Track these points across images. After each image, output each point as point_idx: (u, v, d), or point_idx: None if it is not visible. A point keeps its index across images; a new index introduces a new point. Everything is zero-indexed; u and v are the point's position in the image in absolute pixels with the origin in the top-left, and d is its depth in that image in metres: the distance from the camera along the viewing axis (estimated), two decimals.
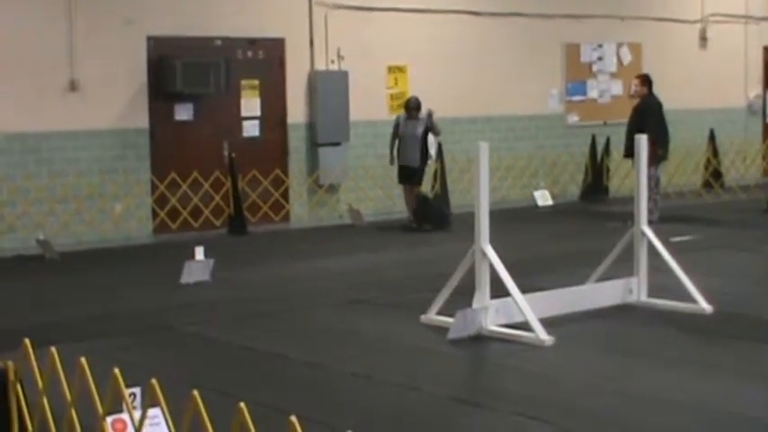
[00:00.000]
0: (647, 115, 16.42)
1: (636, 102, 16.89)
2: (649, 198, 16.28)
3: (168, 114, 16.25)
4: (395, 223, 17.17)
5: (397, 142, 16.49)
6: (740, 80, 23.39)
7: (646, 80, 16.98)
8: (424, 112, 16.29)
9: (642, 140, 10.60)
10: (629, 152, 16.47)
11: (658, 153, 16.29)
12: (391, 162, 16.63)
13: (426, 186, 18.29)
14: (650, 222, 15.90)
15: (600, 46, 21.18)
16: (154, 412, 5.21)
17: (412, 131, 16.28)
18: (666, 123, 16.63)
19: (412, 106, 16.37)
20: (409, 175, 16.46)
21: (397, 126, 16.50)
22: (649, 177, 16.31)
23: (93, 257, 14.32)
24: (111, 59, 15.59)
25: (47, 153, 15.22)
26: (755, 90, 23.77)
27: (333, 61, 17.69)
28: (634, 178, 10.79)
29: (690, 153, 21.04)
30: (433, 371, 8.32)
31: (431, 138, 16.46)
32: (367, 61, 17.99)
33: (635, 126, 16.40)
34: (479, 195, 9.25)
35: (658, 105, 16.73)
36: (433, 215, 16.42)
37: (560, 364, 8.43)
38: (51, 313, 10.55)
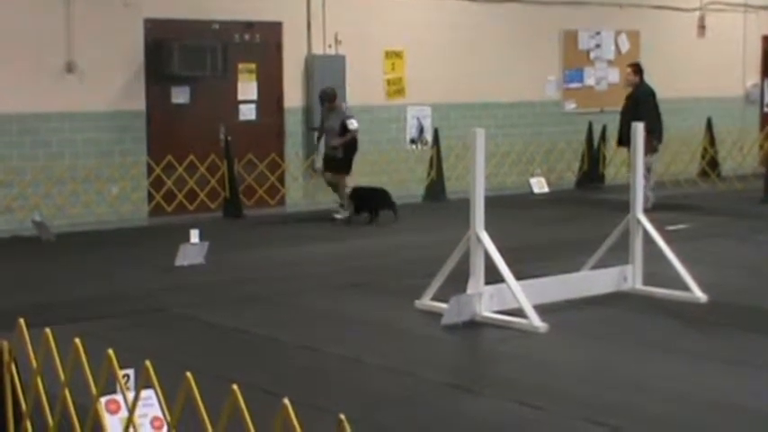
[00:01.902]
0: (641, 104, 16.45)
1: (629, 90, 16.91)
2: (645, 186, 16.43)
3: (165, 97, 16.23)
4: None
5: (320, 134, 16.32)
6: (738, 69, 23.37)
7: (638, 69, 17.03)
8: (344, 105, 16.16)
9: (639, 129, 10.59)
10: (624, 141, 16.58)
11: (653, 142, 16.34)
12: (314, 150, 16.45)
13: (422, 173, 18.32)
14: (645, 210, 16.05)
15: (598, 33, 21.16)
16: (147, 393, 5.22)
17: (331, 123, 15.95)
18: (660, 112, 16.65)
19: (324, 98, 16.03)
20: (334, 165, 16.03)
21: (322, 119, 16.28)
22: (650, 166, 16.49)
23: (89, 239, 14.33)
24: (109, 42, 15.57)
25: (43, 135, 15.21)
26: (753, 79, 23.76)
27: (330, 46, 17.67)
28: (629, 167, 10.78)
29: (686, 142, 21.03)
30: (427, 356, 8.33)
31: (349, 124, 15.92)
32: (364, 46, 17.97)
33: (629, 115, 16.46)
34: (475, 182, 9.26)
35: (652, 94, 16.78)
36: (380, 199, 15.73)
37: (554, 350, 8.45)
38: (46, 294, 10.56)
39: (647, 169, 16.34)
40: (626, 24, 21.44)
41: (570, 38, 20.76)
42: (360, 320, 9.54)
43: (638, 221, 10.42)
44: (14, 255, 13.20)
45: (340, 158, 15.95)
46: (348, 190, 15.78)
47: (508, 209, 16.34)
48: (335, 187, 16.18)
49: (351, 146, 15.99)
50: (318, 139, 16.41)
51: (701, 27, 22.73)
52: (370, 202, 15.64)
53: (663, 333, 9.03)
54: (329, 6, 17.55)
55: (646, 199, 16.36)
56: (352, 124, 15.84)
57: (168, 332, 9.17)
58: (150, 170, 16.01)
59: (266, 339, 8.80)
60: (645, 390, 7.28)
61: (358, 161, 17.83)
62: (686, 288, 10.05)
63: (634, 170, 10.53)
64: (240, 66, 16.99)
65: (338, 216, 15.77)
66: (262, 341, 8.76)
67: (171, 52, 15.81)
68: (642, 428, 6.47)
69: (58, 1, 15.15)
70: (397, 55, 18.56)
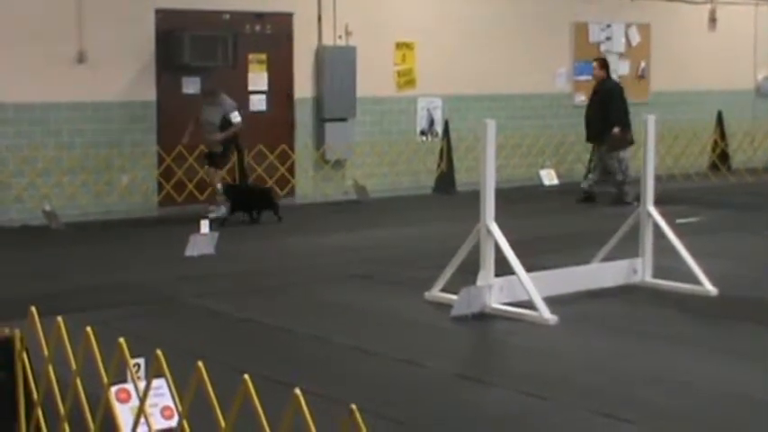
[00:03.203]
0: (612, 100, 16.52)
1: (595, 86, 17.02)
2: (623, 182, 16.51)
3: (176, 87, 16.23)
4: (400, 200, 17.20)
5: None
6: (749, 62, 23.30)
7: (604, 64, 17.13)
8: (227, 99, 15.24)
9: (650, 122, 10.56)
10: (594, 136, 16.59)
11: (628, 136, 16.48)
12: (182, 141, 15.45)
13: (432, 165, 18.31)
14: (628, 203, 16.24)
15: (608, 26, 21.12)
16: (158, 383, 5.24)
17: (209, 117, 15.23)
18: (628, 107, 16.72)
19: (206, 91, 15.56)
20: (213, 160, 15.39)
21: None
22: (619, 161, 16.56)
23: (99, 229, 14.36)
24: (120, 32, 15.57)
25: (54, 124, 15.23)
26: (764, 72, 23.69)
27: (340, 37, 17.66)
28: (641, 159, 10.77)
29: (697, 135, 21.00)
30: (437, 347, 8.34)
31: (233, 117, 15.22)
32: (375, 37, 17.95)
33: (599, 110, 16.53)
34: (485, 173, 9.25)
35: (620, 89, 16.89)
36: (260, 199, 15.00)
37: (563, 342, 8.46)
38: (57, 283, 10.59)
39: (626, 166, 16.49)
40: (636, 17, 21.40)
41: (581, 30, 20.72)
42: (369, 311, 9.55)
43: (649, 214, 10.41)
44: (25, 244, 13.24)
45: (217, 153, 15.29)
46: (220, 186, 15.11)
47: (518, 201, 16.33)
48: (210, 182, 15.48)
49: (231, 141, 15.28)
50: (189, 132, 15.34)
51: (712, 20, 22.68)
52: (248, 201, 14.88)
53: (672, 326, 9.02)
54: None
55: (625, 193, 16.51)
56: (236, 117, 15.14)
57: (179, 322, 9.20)
58: (161, 160, 16.03)
59: (276, 329, 8.81)
60: (654, 382, 7.28)
61: (369, 153, 17.87)
62: (696, 281, 10.04)
63: (645, 163, 10.50)
64: (251, 56, 17.00)
65: (212, 215, 14.69)
66: (272, 331, 8.77)
67: (182, 42, 15.82)
68: (651, 420, 6.48)
69: None
70: (408, 46, 18.54)
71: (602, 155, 16.77)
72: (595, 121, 16.68)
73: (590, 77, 20.56)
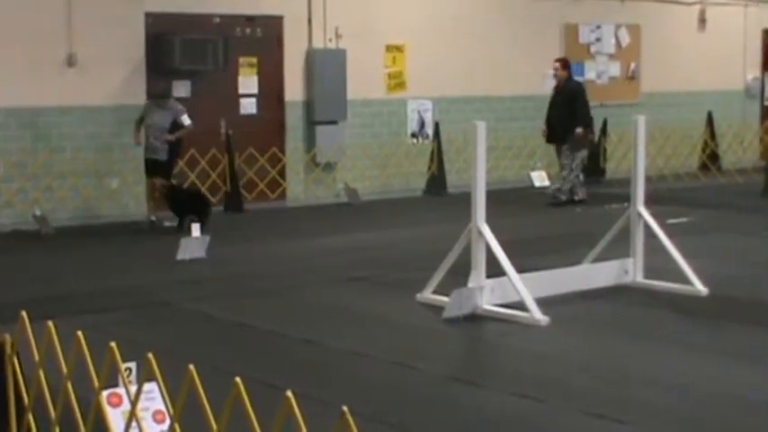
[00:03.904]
0: (576, 100, 16.57)
1: (558, 85, 17.05)
2: (576, 181, 16.58)
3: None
4: (391, 202, 17.20)
5: (143, 131, 14.76)
6: (739, 63, 23.36)
7: (566, 64, 17.15)
8: (176, 103, 14.77)
9: (641, 122, 10.57)
10: (557, 136, 16.59)
11: (589, 136, 16.56)
12: (137, 142, 14.91)
13: (423, 167, 18.31)
14: (581, 201, 16.32)
15: (598, 27, 21.14)
16: (149, 387, 5.22)
17: (159, 121, 14.53)
18: (589, 107, 16.78)
19: (158, 93, 14.85)
20: (156, 169, 14.60)
21: (144, 113, 14.79)
22: (581, 160, 16.60)
23: (90, 233, 14.33)
24: (110, 36, 15.54)
25: (44, 128, 15.20)
26: (754, 73, 23.75)
27: (330, 40, 17.66)
28: (631, 160, 10.78)
29: (687, 135, 21.04)
30: (429, 349, 8.34)
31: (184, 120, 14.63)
32: (365, 40, 17.95)
33: (563, 110, 16.55)
34: (476, 175, 9.26)
35: (583, 89, 16.91)
36: (193, 204, 14.27)
37: (555, 343, 8.46)
38: (48, 288, 10.56)
39: (575, 161, 16.57)
40: (627, 18, 21.43)
41: (571, 32, 20.74)
42: (361, 314, 9.54)
43: (640, 215, 10.42)
44: (15, 248, 13.20)
45: (162, 161, 14.55)
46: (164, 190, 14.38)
47: (509, 202, 16.34)
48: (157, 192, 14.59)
49: (176, 147, 14.71)
50: (136, 130, 14.80)
51: (702, 21, 22.73)
52: (183, 205, 14.26)
53: (664, 326, 9.03)
54: (330, 0, 17.53)
55: (575, 192, 16.57)
56: (187, 120, 14.54)
57: (170, 326, 9.18)
58: None
59: (268, 333, 8.80)
60: (647, 382, 7.28)
61: (360, 155, 17.86)
62: (687, 281, 10.05)
63: (635, 163, 10.51)
64: (241, 59, 16.99)
65: (167, 223, 14.40)
66: (264, 335, 8.76)
67: (172, 46, 15.81)
68: (643, 421, 6.48)
69: None
70: (398, 49, 18.54)
71: (562, 153, 16.79)
72: (558, 122, 16.67)
73: (580, 78, 20.64)
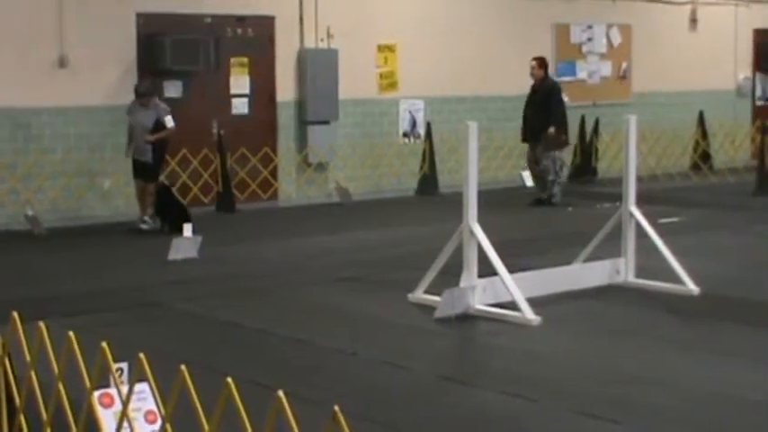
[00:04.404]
0: (552, 99, 16.55)
1: (534, 84, 16.98)
2: (554, 182, 16.57)
3: (157, 91, 16.16)
4: (383, 202, 17.21)
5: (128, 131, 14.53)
6: (730, 62, 23.40)
7: (543, 63, 17.05)
8: (160, 103, 14.44)
9: (632, 122, 10.58)
10: (532, 136, 16.54)
11: (562, 137, 16.54)
12: (126, 154, 14.59)
13: (415, 167, 18.31)
14: (554, 205, 16.34)
15: (590, 27, 21.16)
16: (141, 387, 5.22)
17: (143, 121, 14.21)
18: (565, 107, 16.76)
19: (141, 92, 14.39)
20: (141, 171, 14.33)
21: (128, 112, 14.51)
22: (554, 161, 16.60)
23: (82, 234, 14.32)
24: (101, 36, 15.53)
25: (36, 129, 15.19)
26: (745, 72, 23.79)
27: (322, 40, 17.65)
28: (622, 159, 10.78)
29: (679, 135, 21.07)
30: (421, 349, 8.34)
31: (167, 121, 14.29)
32: (356, 40, 17.95)
33: (538, 109, 16.52)
34: (468, 175, 9.26)
35: (559, 89, 16.86)
36: (175, 210, 13.99)
37: (547, 343, 8.46)
38: (39, 289, 10.55)
39: (560, 165, 16.58)
40: (618, 18, 21.45)
41: (562, 31, 20.76)
42: (353, 314, 9.54)
43: (631, 214, 10.43)
44: (7, 249, 13.18)
45: (149, 164, 14.27)
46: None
47: (501, 202, 16.34)
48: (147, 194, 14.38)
49: (162, 148, 14.43)
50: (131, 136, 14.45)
51: (693, 20, 22.76)
52: (167, 210, 14.03)
53: (655, 325, 9.05)
54: (321, 0, 17.53)
55: (553, 194, 16.58)
56: (170, 122, 14.22)
57: (162, 326, 9.17)
58: None
59: (260, 333, 8.80)
60: (638, 381, 7.30)
61: (352, 155, 17.86)
62: (679, 281, 10.06)
63: (627, 162, 10.52)
64: (233, 60, 16.98)
65: (144, 227, 14.16)
66: (255, 334, 8.76)
67: (163, 46, 15.79)
68: (635, 420, 6.49)
69: None
70: (390, 49, 18.54)
71: (538, 154, 16.76)
72: (533, 121, 16.61)
73: (572, 78, 20.69)
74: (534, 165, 16.88)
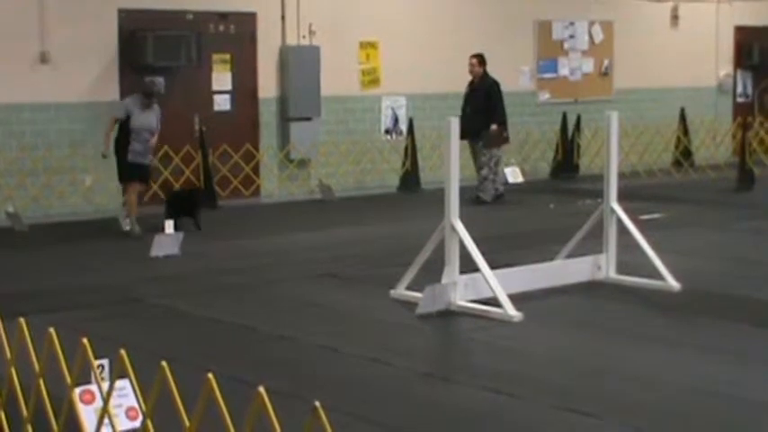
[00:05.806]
0: (492, 96, 16.54)
1: (473, 81, 16.96)
2: (486, 178, 16.55)
3: (139, 88, 16.12)
4: (365, 198, 17.21)
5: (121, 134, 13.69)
6: (711, 59, 23.47)
7: (482, 60, 17.00)
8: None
9: (613, 118, 10.60)
10: (471, 133, 16.36)
11: (504, 134, 16.55)
12: (105, 154, 13.76)
13: (397, 164, 18.32)
14: (485, 202, 16.30)
15: (571, 24, 21.20)
16: (122, 383, 5.22)
17: (147, 122, 13.52)
18: (504, 105, 16.76)
19: (153, 92, 13.58)
20: (141, 174, 13.76)
21: (127, 115, 13.57)
22: (491, 158, 16.59)
23: (63, 230, 14.27)
24: (82, 32, 15.49)
25: (17, 125, 15.14)
26: (726, 69, 23.87)
27: (304, 36, 17.63)
28: (604, 156, 10.81)
29: (660, 132, 21.12)
30: (403, 345, 8.35)
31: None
32: (338, 37, 17.94)
33: (478, 107, 16.50)
34: (450, 171, 9.28)
35: (499, 87, 16.82)
36: (195, 207, 13.84)
37: (528, 339, 8.48)
38: (20, 285, 10.52)
39: (496, 162, 16.58)
40: (600, 15, 21.49)
41: (544, 28, 20.79)
42: (335, 310, 9.54)
43: (613, 211, 10.46)
44: None
45: (148, 165, 13.88)
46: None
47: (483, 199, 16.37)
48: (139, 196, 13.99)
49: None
50: (109, 132, 13.74)
51: (675, 17, 22.81)
52: (177, 207, 13.66)
53: (636, 321, 9.07)
54: None
55: (495, 191, 16.57)
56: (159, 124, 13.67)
57: (143, 322, 9.16)
58: None
59: (242, 329, 8.80)
60: (619, 377, 7.32)
61: (334, 152, 17.86)
62: (660, 277, 10.09)
63: (608, 159, 10.55)
64: (215, 56, 16.95)
65: (127, 228, 13.66)
66: (237, 331, 8.76)
67: (145, 42, 15.76)
68: (617, 415, 6.50)
69: None
70: (372, 45, 18.54)
71: (477, 151, 16.73)
72: (473, 118, 16.43)
73: (554, 75, 20.72)
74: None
